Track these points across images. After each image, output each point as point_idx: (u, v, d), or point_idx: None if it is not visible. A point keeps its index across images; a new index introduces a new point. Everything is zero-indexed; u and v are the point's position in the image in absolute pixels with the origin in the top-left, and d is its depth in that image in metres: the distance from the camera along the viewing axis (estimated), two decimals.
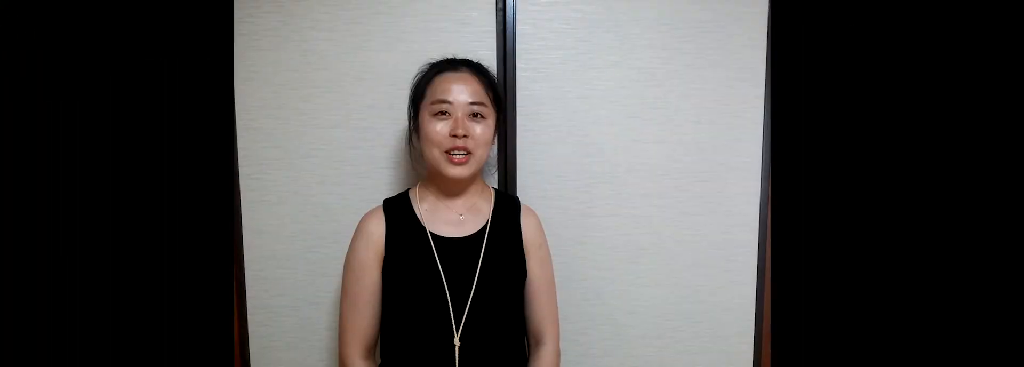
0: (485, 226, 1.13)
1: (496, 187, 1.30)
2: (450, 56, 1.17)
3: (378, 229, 1.10)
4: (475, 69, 1.12)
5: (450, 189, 1.13)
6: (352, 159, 1.34)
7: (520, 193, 1.36)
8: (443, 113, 1.07)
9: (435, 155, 1.07)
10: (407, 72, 1.28)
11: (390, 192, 1.34)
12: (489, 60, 1.28)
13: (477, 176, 1.15)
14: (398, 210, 1.13)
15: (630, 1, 1.34)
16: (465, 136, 1.05)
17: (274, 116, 1.32)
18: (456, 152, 1.06)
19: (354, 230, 1.13)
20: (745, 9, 1.36)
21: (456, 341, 1.06)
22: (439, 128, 1.06)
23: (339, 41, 1.31)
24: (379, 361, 1.15)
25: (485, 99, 1.09)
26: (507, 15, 1.32)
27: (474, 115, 1.08)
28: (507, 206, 1.18)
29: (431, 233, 1.10)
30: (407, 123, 1.21)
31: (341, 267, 1.34)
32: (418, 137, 1.12)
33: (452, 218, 1.13)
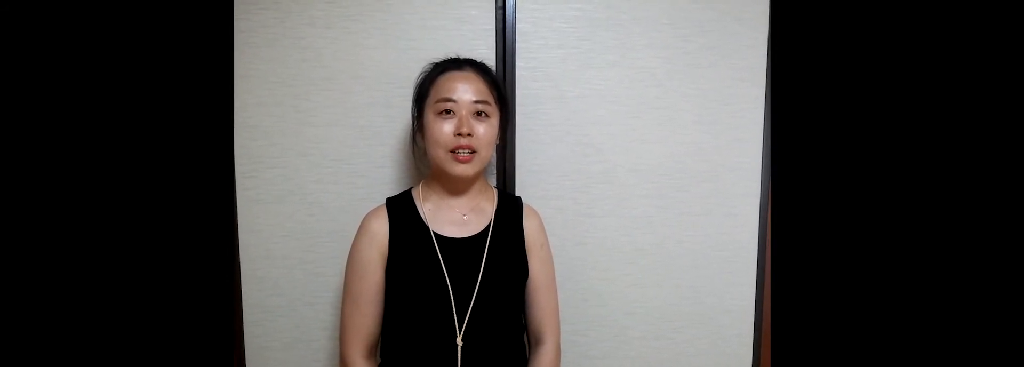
0: (488, 226, 1.12)
1: (496, 186, 1.29)
2: (453, 55, 1.16)
3: (382, 228, 1.10)
4: (479, 68, 1.12)
5: (454, 188, 1.13)
6: (349, 158, 1.33)
7: (519, 193, 1.35)
8: (447, 112, 1.06)
9: (440, 154, 1.06)
10: (406, 70, 1.28)
11: (388, 191, 1.33)
12: (488, 59, 1.27)
13: (480, 175, 1.15)
14: (401, 209, 1.13)
15: (630, 0, 1.33)
16: (469, 135, 1.05)
17: (271, 114, 1.31)
18: (461, 151, 1.05)
19: (355, 229, 1.12)
20: (746, 8, 1.35)
21: (459, 341, 1.06)
22: (444, 128, 1.05)
23: (337, 38, 1.30)
24: (379, 360, 1.15)
25: (489, 98, 1.09)
26: (507, 13, 1.31)
27: (478, 114, 1.07)
28: (510, 206, 1.18)
29: (435, 233, 1.10)
30: (410, 122, 1.20)
31: (338, 266, 1.34)
32: (422, 136, 1.11)
33: (456, 218, 1.12)
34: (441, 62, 1.14)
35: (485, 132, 1.07)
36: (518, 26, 1.32)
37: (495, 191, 1.19)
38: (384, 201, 1.16)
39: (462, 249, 1.09)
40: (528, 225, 1.17)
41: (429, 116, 1.08)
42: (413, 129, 1.16)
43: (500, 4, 1.31)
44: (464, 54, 1.18)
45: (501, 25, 1.31)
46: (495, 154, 1.33)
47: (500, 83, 1.15)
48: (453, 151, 1.05)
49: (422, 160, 1.26)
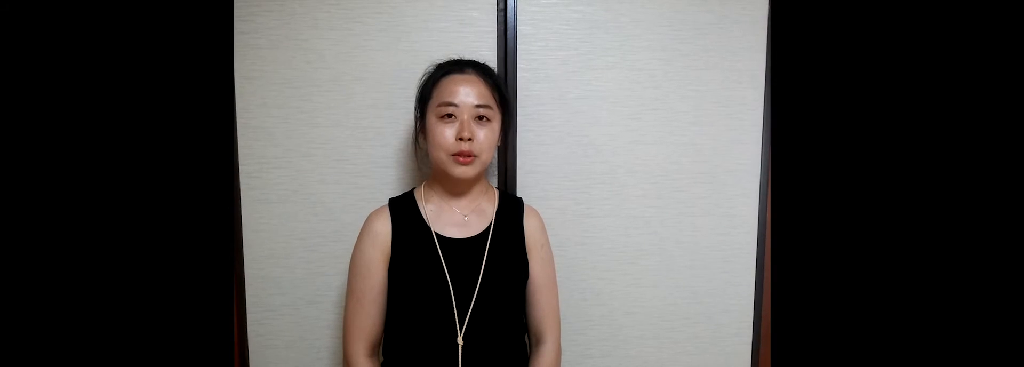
0: (489, 227, 1.14)
1: (497, 187, 1.30)
2: (455, 57, 1.17)
3: (384, 229, 1.11)
4: (481, 71, 1.13)
5: (455, 189, 1.14)
6: (352, 158, 1.34)
7: (520, 193, 1.36)
8: (449, 116, 1.07)
9: (441, 157, 1.08)
10: (408, 72, 1.29)
11: (390, 191, 1.34)
12: (490, 60, 1.29)
13: (482, 176, 1.16)
14: (404, 210, 1.14)
15: (630, 2, 1.35)
16: (470, 139, 1.06)
17: (274, 115, 1.32)
18: (462, 155, 1.06)
19: (359, 229, 1.14)
20: (745, 11, 1.36)
21: (460, 340, 1.07)
22: (446, 132, 1.07)
23: (339, 40, 1.31)
24: (382, 359, 1.16)
25: (491, 101, 1.10)
26: (508, 15, 1.32)
27: (480, 117, 1.08)
28: (510, 207, 1.19)
29: (436, 234, 1.11)
30: (413, 123, 1.21)
31: (341, 266, 1.35)
32: (424, 138, 1.12)
33: (457, 219, 1.13)
34: (444, 64, 1.15)
35: (486, 136, 1.08)
36: (519, 28, 1.33)
37: (496, 192, 1.20)
38: (387, 201, 1.17)
39: (463, 250, 1.11)
40: (528, 225, 1.18)
41: (431, 119, 1.09)
42: (415, 130, 1.18)
43: (501, 6, 1.32)
44: (466, 56, 1.19)
45: (502, 27, 1.33)
46: (496, 155, 1.35)
47: (503, 85, 1.16)
48: (455, 155, 1.07)
49: (424, 161, 1.27)
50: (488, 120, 1.09)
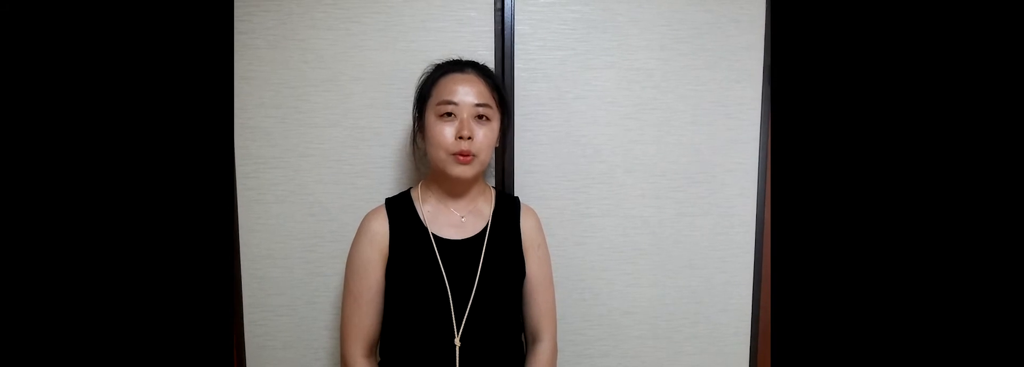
0: (486, 228, 1.13)
1: (494, 187, 1.30)
2: (454, 57, 1.17)
3: (382, 229, 1.11)
4: (481, 71, 1.13)
5: (453, 189, 1.14)
6: (349, 158, 1.34)
7: (518, 193, 1.36)
8: (448, 114, 1.07)
9: (440, 156, 1.07)
10: (405, 72, 1.29)
11: (387, 191, 1.34)
12: (487, 60, 1.29)
13: (479, 177, 1.16)
14: (401, 210, 1.14)
15: (628, 2, 1.35)
16: (469, 138, 1.06)
17: (272, 115, 1.32)
18: (461, 154, 1.06)
19: (355, 229, 1.14)
20: (742, 11, 1.36)
21: (457, 341, 1.07)
22: (445, 131, 1.06)
23: (337, 40, 1.31)
24: (379, 359, 1.16)
25: (490, 101, 1.09)
26: (505, 15, 1.32)
27: (479, 117, 1.08)
28: (507, 207, 1.19)
29: (433, 235, 1.11)
30: (409, 123, 1.21)
31: (339, 266, 1.35)
32: (422, 137, 1.12)
33: (454, 220, 1.13)
34: (443, 63, 1.15)
35: (485, 135, 1.08)
36: (517, 28, 1.33)
37: (493, 192, 1.20)
38: (383, 201, 1.17)
39: (460, 251, 1.10)
40: (525, 225, 1.18)
41: (430, 118, 1.09)
42: (413, 130, 1.17)
43: (499, 6, 1.32)
44: (464, 55, 1.19)
45: (500, 27, 1.32)
46: (494, 155, 1.34)
47: (502, 86, 1.16)
48: (453, 154, 1.07)
49: (422, 161, 1.27)
50: (487, 119, 1.09)
